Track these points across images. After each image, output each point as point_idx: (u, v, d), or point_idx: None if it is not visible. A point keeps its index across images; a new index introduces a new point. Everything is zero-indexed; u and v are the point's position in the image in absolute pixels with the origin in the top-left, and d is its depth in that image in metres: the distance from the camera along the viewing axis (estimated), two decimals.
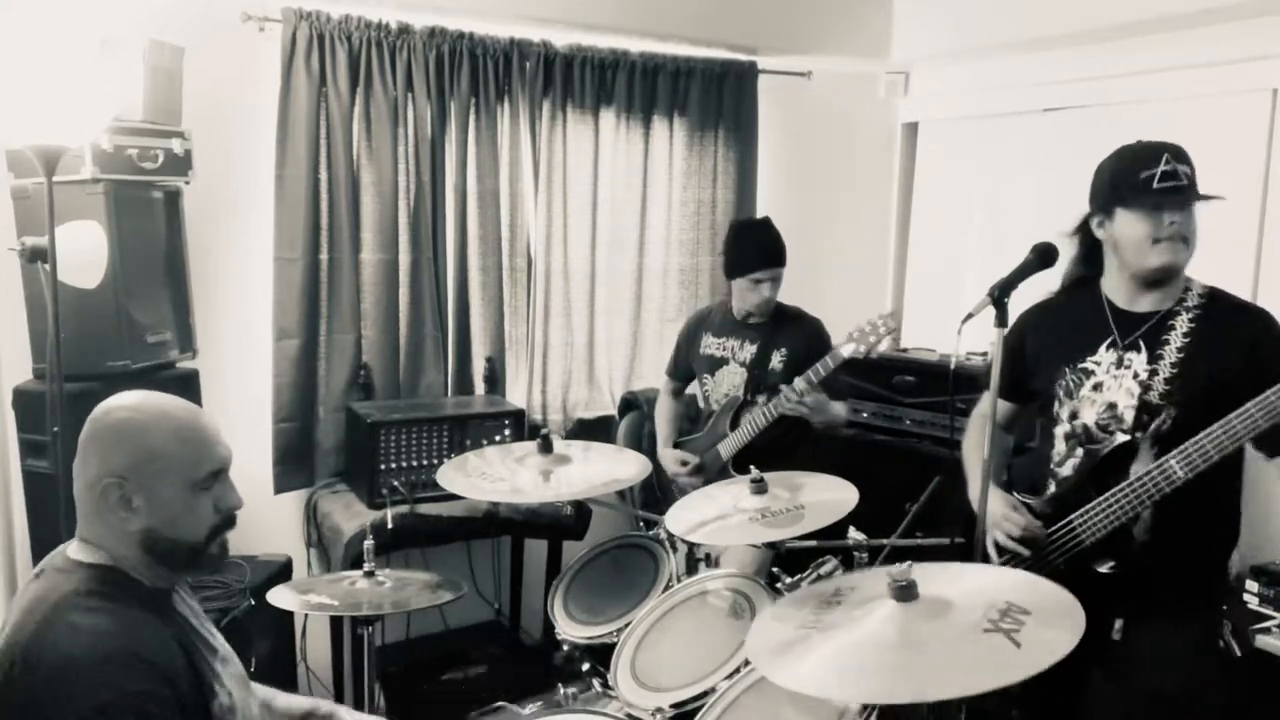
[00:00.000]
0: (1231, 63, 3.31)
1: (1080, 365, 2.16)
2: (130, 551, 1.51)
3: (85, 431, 1.53)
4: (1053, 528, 2.15)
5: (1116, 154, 2.11)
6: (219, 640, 1.67)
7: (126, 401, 1.55)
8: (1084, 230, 2.19)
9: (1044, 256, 2.03)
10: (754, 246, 3.17)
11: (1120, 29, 3.52)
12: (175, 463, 1.51)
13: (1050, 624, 1.55)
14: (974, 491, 2.25)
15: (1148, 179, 2.00)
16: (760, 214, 4.23)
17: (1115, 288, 2.15)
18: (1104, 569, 2.09)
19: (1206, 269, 2.14)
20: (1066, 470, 2.18)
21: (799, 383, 2.92)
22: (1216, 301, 2.08)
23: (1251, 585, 2.91)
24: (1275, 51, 3.20)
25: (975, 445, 2.34)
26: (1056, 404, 2.20)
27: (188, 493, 1.52)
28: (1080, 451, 2.15)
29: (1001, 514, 2.18)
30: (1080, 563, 2.11)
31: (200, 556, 1.56)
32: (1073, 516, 2.12)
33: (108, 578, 1.49)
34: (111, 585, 1.49)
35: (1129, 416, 2.08)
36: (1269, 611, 2.85)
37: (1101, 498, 2.06)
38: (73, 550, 1.54)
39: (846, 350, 2.88)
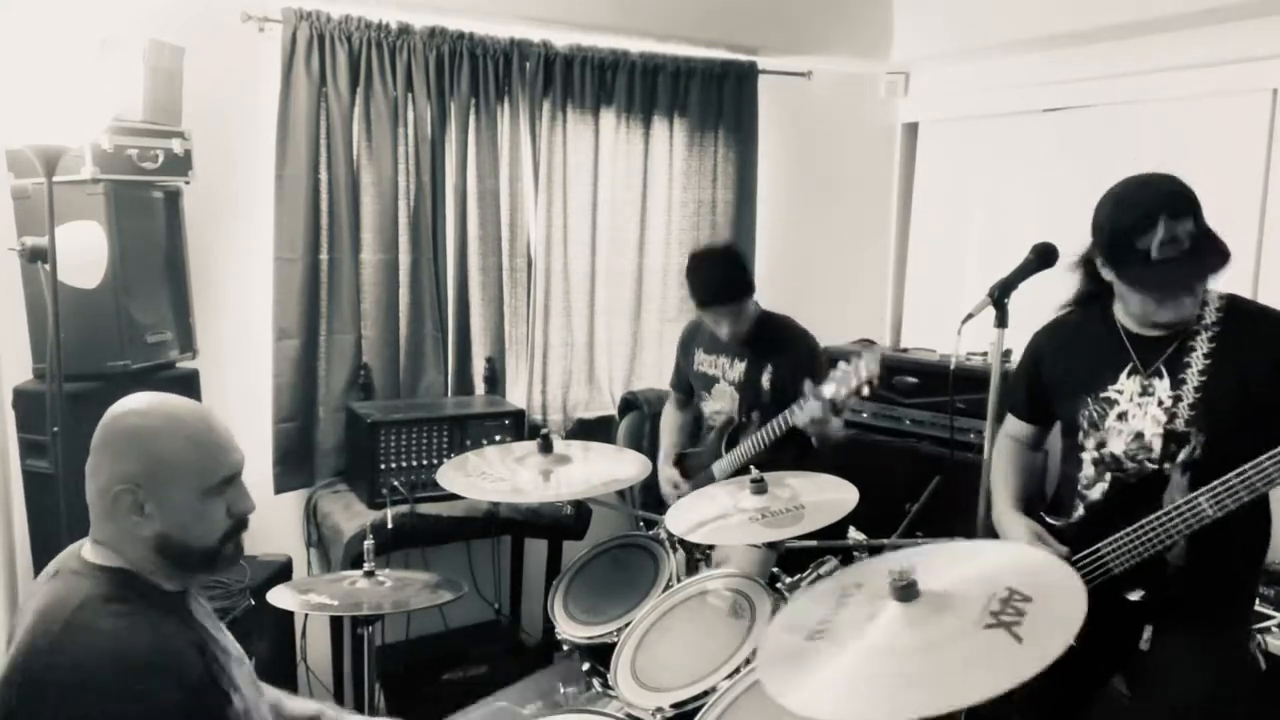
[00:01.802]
0: (1231, 63, 3.31)
1: (1102, 395, 2.09)
2: (144, 555, 1.51)
3: (97, 436, 1.52)
4: (1080, 554, 2.11)
5: (1114, 202, 1.98)
6: (231, 642, 1.67)
7: (138, 406, 1.54)
8: (1088, 262, 2.11)
9: (1044, 256, 2.01)
10: (703, 285, 3.01)
11: (1120, 29, 3.52)
12: (187, 469, 1.51)
13: (1052, 609, 1.51)
14: (997, 513, 2.22)
15: (1145, 252, 1.89)
16: (760, 214, 4.24)
17: (1127, 316, 2.08)
18: (1134, 597, 2.05)
19: None
20: (1095, 495, 2.13)
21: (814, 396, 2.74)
22: (1236, 312, 2.01)
23: None
24: (1275, 51, 3.19)
25: (1000, 467, 2.29)
26: (1081, 434, 2.14)
27: (200, 499, 1.52)
28: (1109, 477, 2.09)
29: (1026, 545, 2.13)
30: (1109, 589, 2.06)
31: (214, 559, 1.56)
32: (1100, 545, 2.07)
33: (126, 581, 1.49)
34: (130, 589, 1.48)
35: (1157, 445, 2.01)
36: (1269, 611, 2.85)
37: (1130, 529, 2.01)
38: (87, 552, 1.53)
39: (827, 391, 2.70)
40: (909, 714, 1.43)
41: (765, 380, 3.05)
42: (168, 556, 1.52)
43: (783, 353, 3.05)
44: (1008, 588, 1.58)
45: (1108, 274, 2.03)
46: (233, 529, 1.57)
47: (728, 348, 3.13)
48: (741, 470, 2.42)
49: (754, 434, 3.00)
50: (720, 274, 3.02)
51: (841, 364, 2.71)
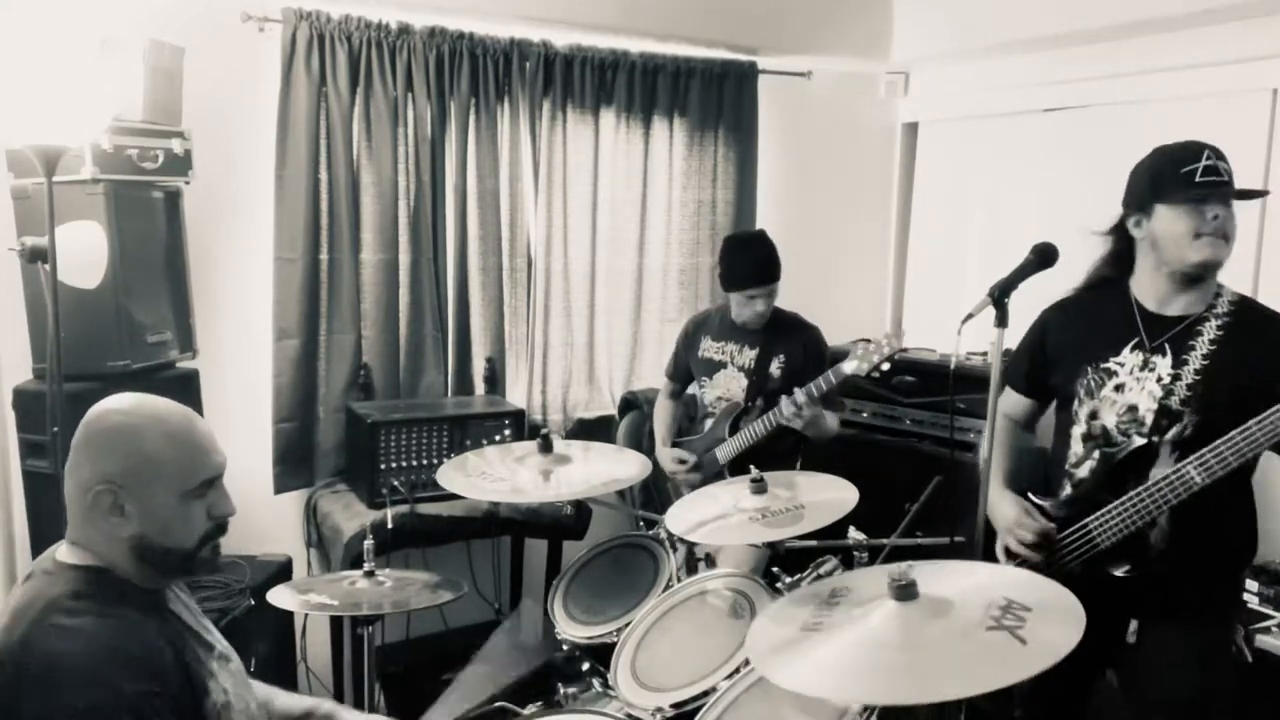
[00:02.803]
0: (1231, 63, 3.31)
1: (1103, 365, 2.13)
2: (120, 556, 1.51)
3: (79, 434, 1.51)
4: (1067, 530, 2.13)
5: (1155, 153, 2.10)
6: (216, 637, 1.67)
7: (121, 405, 1.53)
8: (1118, 231, 2.17)
9: (1044, 256, 2.01)
10: (746, 264, 3.16)
11: (1120, 29, 3.52)
12: (168, 470, 1.50)
13: (1052, 620, 1.53)
14: (992, 492, 2.24)
15: (1189, 174, 2.00)
16: (760, 214, 4.25)
17: (1146, 289, 2.13)
18: (1119, 572, 2.06)
19: None
20: (1083, 472, 2.16)
21: (799, 395, 2.91)
22: (1247, 310, 2.07)
23: (1251, 585, 2.90)
24: (1275, 51, 3.20)
25: (997, 444, 2.30)
26: (1076, 403, 2.17)
27: (180, 500, 1.51)
28: (1097, 454, 2.12)
29: (1014, 519, 2.16)
30: (1095, 566, 2.09)
31: (191, 563, 1.56)
32: (1088, 519, 2.09)
33: (95, 579, 1.49)
34: (98, 587, 1.48)
35: (1149, 420, 2.05)
36: (1269, 611, 2.85)
37: (1117, 501, 2.04)
38: (61, 553, 1.53)
39: (848, 367, 2.86)
40: (904, 699, 1.46)
41: (775, 368, 3.19)
42: (144, 558, 1.51)
43: (795, 343, 3.19)
44: (1006, 598, 1.60)
45: (1140, 229, 2.09)
46: (212, 532, 1.56)
47: (740, 335, 3.24)
48: (742, 466, 2.43)
49: (756, 419, 3.10)
50: (761, 254, 3.18)
51: (862, 343, 2.88)
